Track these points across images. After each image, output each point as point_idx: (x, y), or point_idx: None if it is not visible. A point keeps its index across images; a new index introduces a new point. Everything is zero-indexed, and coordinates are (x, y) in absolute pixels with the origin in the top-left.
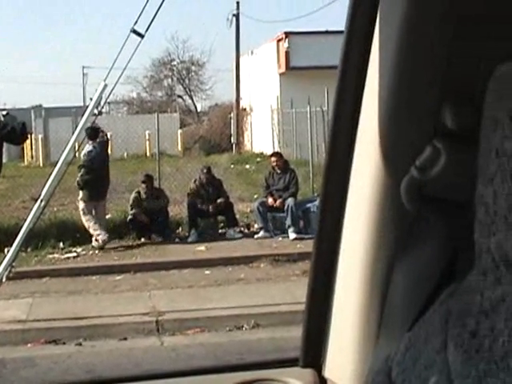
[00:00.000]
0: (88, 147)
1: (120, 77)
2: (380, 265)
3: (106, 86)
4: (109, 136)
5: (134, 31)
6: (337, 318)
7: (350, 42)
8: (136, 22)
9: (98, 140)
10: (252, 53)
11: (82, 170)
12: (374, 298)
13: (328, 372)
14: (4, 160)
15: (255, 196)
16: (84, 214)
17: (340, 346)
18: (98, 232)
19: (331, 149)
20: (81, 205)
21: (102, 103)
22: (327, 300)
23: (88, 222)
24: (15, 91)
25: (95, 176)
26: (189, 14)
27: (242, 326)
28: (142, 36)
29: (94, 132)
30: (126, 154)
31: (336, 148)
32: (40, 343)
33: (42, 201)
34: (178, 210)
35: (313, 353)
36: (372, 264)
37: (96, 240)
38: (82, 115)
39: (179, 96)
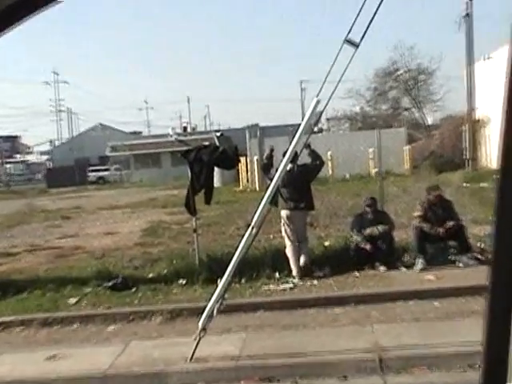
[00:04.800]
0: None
1: (334, 91)
2: None
3: (318, 101)
4: (329, 155)
5: (348, 41)
6: None
7: None
8: (350, 31)
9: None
10: (488, 57)
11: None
12: None
13: None
14: (218, 184)
15: (492, 218)
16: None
17: None
18: (294, 258)
19: (505, 169)
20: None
21: (319, 120)
22: (506, 341)
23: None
24: (230, 111)
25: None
26: (412, 19)
27: (478, 366)
28: (356, 45)
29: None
30: (348, 175)
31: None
32: (253, 381)
33: (253, 228)
34: (404, 234)
35: None
36: None
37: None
38: (295, 134)
39: (406, 109)
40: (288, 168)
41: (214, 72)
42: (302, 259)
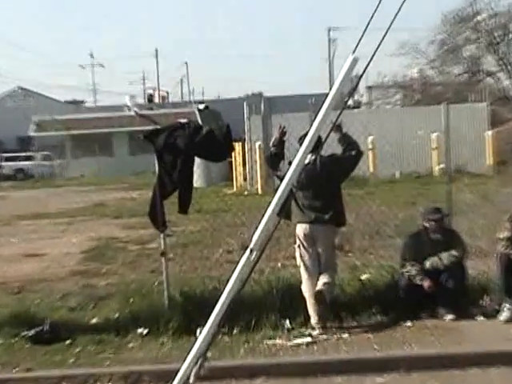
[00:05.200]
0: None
1: (380, 44)
2: None
3: (356, 60)
4: (370, 142)
5: None
6: None
7: None
8: None
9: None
10: None
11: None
12: None
13: None
14: (200, 184)
15: None
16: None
17: None
18: (313, 302)
19: None
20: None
21: (356, 88)
22: None
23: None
24: (220, 74)
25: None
26: None
27: None
28: None
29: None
30: (398, 173)
31: None
32: None
33: (252, 251)
34: (483, 266)
35: None
36: None
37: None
38: (319, 109)
39: (489, 73)
40: (307, 161)
41: (195, 15)
42: (320, 285)
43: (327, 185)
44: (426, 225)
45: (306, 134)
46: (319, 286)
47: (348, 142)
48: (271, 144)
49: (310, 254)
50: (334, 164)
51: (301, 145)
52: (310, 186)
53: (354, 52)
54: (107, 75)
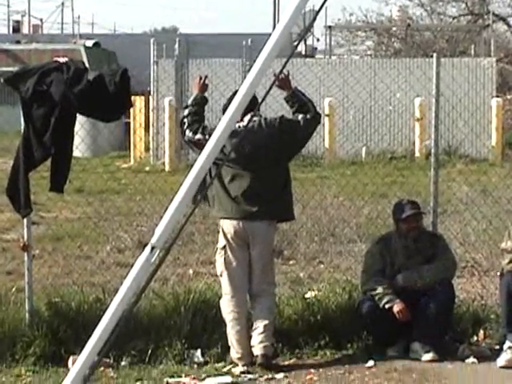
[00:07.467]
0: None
1: None
2: None
3: None
4: (327, 105)
5: None
6: None
7: None
8: None
9: (256, 115)
10: None
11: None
12: None
13: None
14: (82, 153)
15: None
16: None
17: None
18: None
19: None
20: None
21: (311, 27)
22: None
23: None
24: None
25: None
26: None
27: None
28: None
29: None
30: (364, 151)
31: None
32: None
33: (153, 249)
34: (477, 286)
35: None
36: None
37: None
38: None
39: (500, 17)
40: (244, 123)
41: None
42: (260, 337)
43: (275, 161)
44: (401, 226)
45: (234, 94)
46: (258, 339)
47: (300, 101)
48: (189, 102)
49: (239, 261)
50: (281, 132)
51: (228, 104)
52: (249, 163)
53: None
54: None
